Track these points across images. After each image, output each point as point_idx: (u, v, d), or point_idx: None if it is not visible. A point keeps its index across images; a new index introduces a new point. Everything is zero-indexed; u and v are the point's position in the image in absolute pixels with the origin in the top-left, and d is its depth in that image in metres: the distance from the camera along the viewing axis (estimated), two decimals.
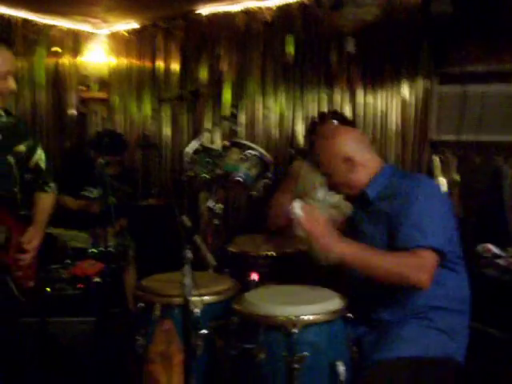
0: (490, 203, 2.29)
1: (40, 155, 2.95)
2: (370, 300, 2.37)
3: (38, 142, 2.99)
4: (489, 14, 3.35)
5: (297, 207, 2.25)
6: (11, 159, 2.79)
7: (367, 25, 3.70)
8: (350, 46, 3.85)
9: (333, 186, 2.50)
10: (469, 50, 3.98)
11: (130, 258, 4.60)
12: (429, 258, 2.18)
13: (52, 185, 3.01)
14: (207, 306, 2.41)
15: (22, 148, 2.85)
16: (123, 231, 4.64)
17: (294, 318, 2.12)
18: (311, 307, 2.18)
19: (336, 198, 2.45)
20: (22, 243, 2.72)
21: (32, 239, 2.77)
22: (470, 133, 3.99)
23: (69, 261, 4.07)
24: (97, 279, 3.66)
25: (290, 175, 3.82)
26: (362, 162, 2.44)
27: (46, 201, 2.98)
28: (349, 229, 2.64)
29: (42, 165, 2.96)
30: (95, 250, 4.24)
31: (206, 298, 2.41)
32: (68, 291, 3.65)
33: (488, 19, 3.45)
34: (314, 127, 4.03)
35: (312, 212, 2.26)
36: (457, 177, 4.06)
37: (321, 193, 2.46)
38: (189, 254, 2.22)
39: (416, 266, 2.16)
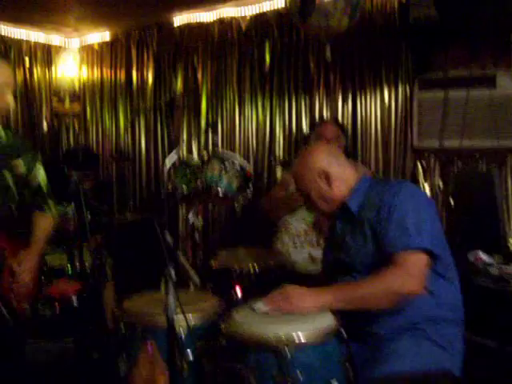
0: (480, 210, 2.23)
1: (39, 171, 2.83)
2: (361, 313, 2.27)
3: (37, 157, 2.87)
4: (470, 19, 3.29)
5: (259, 306, 2.20)
6: (7, 174, 2.69)
7: (342, 32, 3.62)
8: (327, 54, 3.80)
9: (313, 203, 2.47)
10: (450, 54, 3.93)
11: (107, 276, 4.47)
12: (415, 261, 2.12)
13: (52, 205, 2.89)
14: (192, 326, 2.28)
15: (19, 163, 2.73)
16: (99, 248, 4.51)
17: (285, 338, 2.01)
18: (303, 327, 2.06)
19: None
20: (13, 265, 2.60)
21: (24, 261, 2.65)
22: (453, 138, 3.94)
23: (43, 280, 3.93)
24: (74, 300, 3.52)
25: (281, 183, 3.77)
26: (339, 175, 2.41)
27: (43, 221, 2.86)
28: (330, 242, 2.58)
29: (42, 182, 2.85)
30: (71, 269, 4.10)
31: (190, 317, 2.29)
32: (43, 312, 3.50)
33: (470, 24, 3.39)
34: (313, 128, 4.03)
35: (273, 299, 2.20)
36: (440, 183, 4.02)
37: None
38: (171, 273, 2.12)
39: (402, 276, 2.10)
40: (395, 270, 2.10)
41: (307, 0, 3.36)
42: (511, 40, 3.75)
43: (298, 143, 4.62)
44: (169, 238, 2.17)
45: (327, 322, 2.12)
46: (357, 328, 2.27)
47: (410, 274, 2.10)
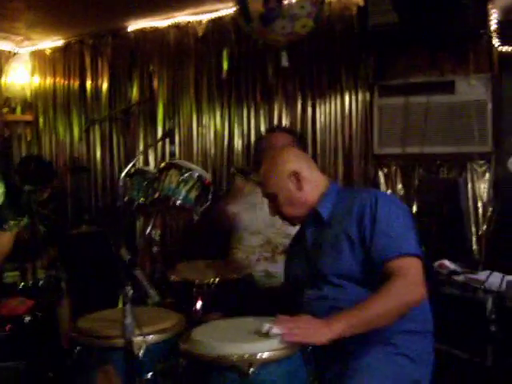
0: (445, 217, 2.19)
1: None
2: None
3: None
4: (430, 26, 3.28)
5: (270, 326, 1.99)
6: None
7: (303, 37, 3.56)
8: (284, 61, 3.72)
9: (279, 208, 2.40)
10: (410, 61, 3.92)
11: (62, 291, 4.32)
12: (413, 268, 2.09)
13: (11, 223, 2.75)
14: (152, 347, 2.18)
15: None
16: (54, 262, 4.36)
17: (249, 356, 1.92)
18: (266, 343, 1.98)
19: None
20: None
21: None
22: (414, 145, 3.92)
23: None
24: (27, 318, 3.35)
25: (233, 191, 3.68)
26: (309, 178, 2.36)
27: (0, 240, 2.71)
28: (295, 252, 2.52)
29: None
30: (24, 285, 3.94)
31: (150, 337, 2.18)
32: None
33: (429, 30, 3.38)
34: (261, 144, 3.86)
35: (287, 321, 2.03)
36: (402, 190, 4.00)
37: None
38: (129, 292, 2.02)
39: (407, 285, 2.05)
40: (399, 282, 2.04)
41: (271, 3, 3.27)
42: (470, 47, 3.77)
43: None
44: (126, 256, 2.06)
45: None
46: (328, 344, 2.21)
47: (413, 282, 2.06)
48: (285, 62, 3.69)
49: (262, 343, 1.97)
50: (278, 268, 3.36)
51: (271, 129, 4.07)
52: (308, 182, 2.34)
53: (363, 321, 2.02)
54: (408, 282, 2.04)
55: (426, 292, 2.06)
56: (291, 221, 2.48)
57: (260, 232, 3.57)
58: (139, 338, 2.10)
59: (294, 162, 2.36)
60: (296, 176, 2.33)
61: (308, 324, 2.01)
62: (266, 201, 3.56)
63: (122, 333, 2.05)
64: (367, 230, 2.16)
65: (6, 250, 2.74)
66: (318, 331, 1.97)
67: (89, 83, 5.52)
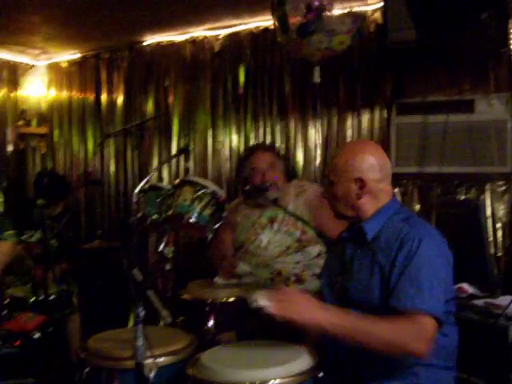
0: (465, 240, 2.13)
1: None
2: (347, 352, 2.12)
3: None
4: (450, 44, 3.23)
5: (260, 299, 1.94)
6: None
7: (337, 54, 3.52)
8: (316, 76, 3.68)
9: (331, 196, 2.29)
10: (429, 79, 3.87)
11: (73, 306, 4.30)
12: (427, 325, 1.95)
13: (10, 232, 2.73)
14: (163, 369, 2.13)
15: None
16: (65, 276, 4.33)
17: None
18: (277, 370, 1.91)
19: None
20: None
21: None
22: (432, 164, 3.86)
23: (5, 312, 3.75)
24: (37, 334, 3.31)
25: (226, 223, 3.53)
26: (373, 189, 2.21)
27: None
28: (332, 265, 2.41)
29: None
30: (35, 299, 3.92)
31: (161, 359, 2.14)
32: (1, 349, 3.28)
33: (449, 49, 3.33)
34: (244, 159, 3.77)
35: (279, 294, 1.98)
36: (418, 210, 3.94)
37: None
38: (141, 312, 1.97)
39: (414, 334, 1.93)
40: (409, 328, 1.94)
41: (313, 15, 3.21)
42: (490, 65, 3.71)
43: None
44: (139, 276, 2.02)
45: (302, 361, 1.98)
46: (338, 367, 2.14)
47: (423, 336, 1.94)
48: (317, 78, 3.65)
49: (271, 370, 1.92)
50: None
51: (252, 148, 3.85)
52: (369, 193, 2.20)
53: (356, 331, 1.94)
54: (414, 331, 1.94)
55: (427, 352, 1.94)
56: (335, 214, 2.34)
57: (268, 264, 3.49)
58: (150, 360, 2.06)
59: (369, 169, 2.20)
60: (361, 184, 2.19)
61: (301, 299, 1.97)
62: (271, 224, 3.52)
63: (133, 354, 2.00)
64: (397, 269, 2.04)
65: (5, 259, 2.72)
66: (310, 309, 1.94)
67: (104, 97, 5.53)
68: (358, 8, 4.06)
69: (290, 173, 3.75)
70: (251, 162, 3.58)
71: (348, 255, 2.27)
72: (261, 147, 3.80)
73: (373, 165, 2.22)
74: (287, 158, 4.12)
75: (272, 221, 3.51)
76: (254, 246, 3.50)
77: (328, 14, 3.37)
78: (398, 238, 2.09)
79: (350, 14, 3.60)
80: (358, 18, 3.50)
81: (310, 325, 1.95)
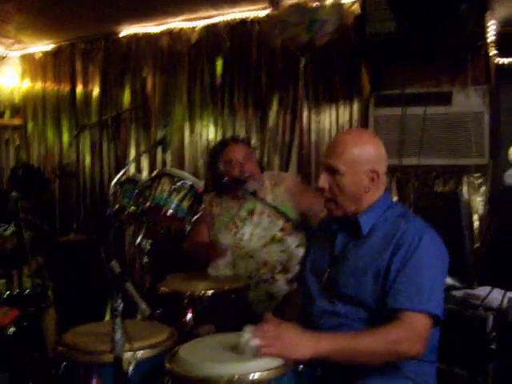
0: (444, 233, 2.13)
1: None
2: None
3: None
4: (429, 36, 3.23)
5: (249, 338, 1.87)
6: None
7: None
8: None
9: (333, 185, 2.14)
10: (407, 71, 3.87)
11: (48, 300, 4.23)
12: (421, 325, 1.93)
13: None
14: (141, 363, 2.10)
15: None
16: (41, 270, 4.26)
17: (239, 377, 1.81)
18: (256, 363, 1.86)
19: None
20: None
21: None
22: (411, 156, 3.87)
23: None
24: (11, 329, 3.26)
25: (201, 218, 3.49)
26: (380, 183, 2.15)
27: None
28: (320, 247, 2.34)
29: None
30: (9, 293, 3.85)
31: (139, 353, 2.10)
32: None
33: (428, 41, 3.33)
34: (218, 153, 3.73)
35: (265, 335, 1.88)
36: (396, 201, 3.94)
37: None
38: (120, 305, 1.93)
39: (408, 338, 1.90)
40: (403, 332, 1.91)
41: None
42: (468, 58, 3.73)
43: None
44: (117, 268, 1.98)
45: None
46: (325, 362, 2.12)
47: (417, 338, 1.91)
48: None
49: (253, 363, 1.87)
50: (279, 287, 3.30)
51: (225, 141, 3.74)
52: (376, 187, 2.13)
53: (350, 351, 1.89)
54: (412, 334, 1.91)
55: (423, 351, 1.92)
56: (333, 209, 2.19)
57: (252, 255, 3.47)
58: (129, 354, 2.03)
59: (381, 160, 2.15)
60: (374, 177, 2.11)
61: (291, 336, 1.88)
62: (251, 217, 3.49)
63: (111, 348, 1.97)
64: (395, 267, 2.00)
65: None
66: (300, 345, 1.86)
67: (79, 88, 5.45)
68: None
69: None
70: (226, 155, 3.54)
71: (339, 246, 2.21)
72: (234, 140, 3.75)
73: (382, 155, 2.17)
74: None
75: (251, 213, 3.50)
76: (237, 238, 3.48)
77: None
78: (396, 234, 2.05)
79: (300, 6, 3.58)
80: (307, 10, 3.47)
81: (304, 359, 1.88)
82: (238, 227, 3.51)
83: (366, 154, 2.12)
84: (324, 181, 2.16)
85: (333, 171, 2.14)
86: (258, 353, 1.84)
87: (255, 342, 1.84)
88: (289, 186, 3.53)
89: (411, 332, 1.91)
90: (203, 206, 3.33)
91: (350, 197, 2.13)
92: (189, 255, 3.64)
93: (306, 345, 1.86)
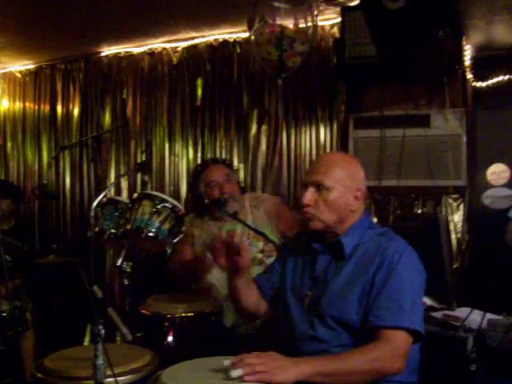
0: (424, 254, 2.16)
1: None
2: None
3: None
4: (407, 59, 3.29)
5: (231, 367, 1.84)
6: None
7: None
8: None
9: (318, 201, 2.15)
10: (386, 93, 3.92)
11: (27, 323, 4.17)
12: (401, 341, 1.95)
13: None
14: None
15: None
16: (19, 292, 4.22)
17: None
18: None
19: None
20: None
21: None
22: (390, 178, 3.91)
23: None
24: None
25: (184, 238, 3.51)
26: (362, 204, 2.21)
27: None
28: (298, 267, 2.34)
29: None
30: None
31: (121, 378, 2.08)
32: None
33: (406, 64, 3.39)
34: (198, 174, 3.76)
35: (249, 363, 1.85)
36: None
37: None
38: (101, 331, 1.92)
39: (389, 356, 1.92)
40: (384, 348, 1.93)
41: None
42: (445, 81, 3.79)
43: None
44: (98, 293, 1.97)
45: None
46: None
47: (398, 354, 1.93)
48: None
49: None
50: None
51: (205, 163, 3.84)
52: (359, 208, 2.20)
53: (333, 373, 1.89)
54: (393, 351, 1.93)
55: (403, 368, 1.94)
56: (313, 222, 2.18)
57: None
58: (110, 380, 2.00)
59: (363, 183, 2.21)
60: (361, 196, 2.18)
61: (273, 361, 1.87)
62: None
63: (93, 374, 1.94)
64: (376, 284, 2.03)
65: None
66: (284, 370, 1.85)
67: (60, 108, 5.42)
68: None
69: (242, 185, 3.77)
70: (206, 176, 3.58)
71: (320, 268, 2.22)
72: (213, 161, 3.79)
73: (363, 177, 2.24)
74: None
75: (232, 235, 3.50)
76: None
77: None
78: (377, 252, 2.09)
79: (269, 25, 3.64)
80: (276, 29, 3.52)
81: (294, 379, 1.85)
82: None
83: (352, 173, 2.18)
84: (310, 197, 2.17)
85: (319, 188, 2.16)
86: (241, 380, 1.83)
87: (238, 371, 1.84)
88: (268, 208, 3.56)
89: (392, 349, 1.93)
90: (184, 227, 3.35)
91: (336, 213, 2.15)
92: (174, 273, 3.63)
93: (288, 369, 1.86)
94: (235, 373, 1.82)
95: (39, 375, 2.17)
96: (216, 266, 3.35)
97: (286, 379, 1.84)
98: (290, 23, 3.47)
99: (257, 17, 3.54)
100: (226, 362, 1.88)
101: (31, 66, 5.54)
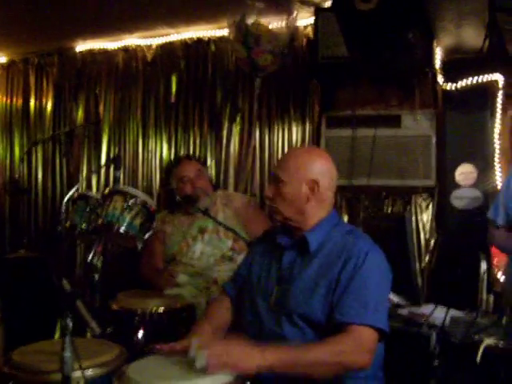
0: (391, 251, 2.21)
1: None
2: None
3: None
4: (378, 60, 3.34)
5: (198, 360, 1.87)
6: None
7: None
8: (257, 87, 3.77)
9: (276, 195, 2.23)
10: (358, 93, 3.98)
11: None
12: (367, 337, 1.99)
13: None
14: (90, 382, 2.09)
15: None
16: None
17: None
18: (204, 381, 1.85)
19: None
20: None
21: None
22: (361, 177, 3.96)
23: None
24: None
25: (155, 236, 3.55)
26: (322, 196, 2.21)
27: None
28: (265, 261, 2.37)
29: None
30: None
31: (88, 371, 2.09)
32: None
33: (377, 65, 3.44)
34: (171, 170, 3.81)
35: (214, 352, 1.87)
36: (346, 221, 4.02)
37: None
38: (69, 324, 1.93)
39: (354, 350, 1.96)
40: (349, 344, 1.96)
41: None
42: (415, 83, 3.85)
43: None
44: (67, 286, 1.98)
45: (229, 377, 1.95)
46: (273, 381, 2.14)
47: (364, 349, 1.97)
48: (257, 88, 3.72)
49: (201, 380, 1.87)
50: None
51: (177, 159, 3.98)
52: (319, 199, 2.20)
53: (297, 363, 1.91)
54: (358, 346, 1.96)
55: (369, 363, 1.98)
56: (275, 214, 2.27)
57: (202, 274, 3.49)
58: (77, 373, 2.01)
59: (323, 174, 2.21)
60: (314, 186, 2.18)
61: (237, 349, 1.90)
62: (201, 235, 3.54)
63: (60, 367, 1.96)
64: (342, 282, 2.06)
65: None
66: (248, 356, 1.87)
67: (32, 103, 5.36)
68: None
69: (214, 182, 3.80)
70: (179, 173, 3.63)
71: (286, 264, 2.24)
72: (185, 157, 3.87)
73: (327, 170, 2.24)
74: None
75: (203, 231, 3.54)
76: (188, 257, 3.51)
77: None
78: (343, 250, 2.12)
79: (238, 23, 3.69)
80: (243, 26, 3.58)
81: (251, 371, 1.88)
82: (189, 245, 3.54)
83: (308, 165, 2.21)
84: (269, 190, 2.28)
85: (277, 181, 2.23)
86: (206, 370, 1.85)
87: (202, 361, 1.86)
88: (236, 208, 3.60)
89: (357, 344, 1.96)
90: (156, 223, 3.37)
91: (291, 204, 2.20)
92: (145, 277, 3.67)
93: (252, 356, 1.88)
94: (199, 363, 1.85)
95: (7, 370, 2.17)
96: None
97: (249, 367, 1.87)
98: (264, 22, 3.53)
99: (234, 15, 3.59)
100: (192, 352, 1.90)
101: (4, 60, 5.48)
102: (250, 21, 3.66)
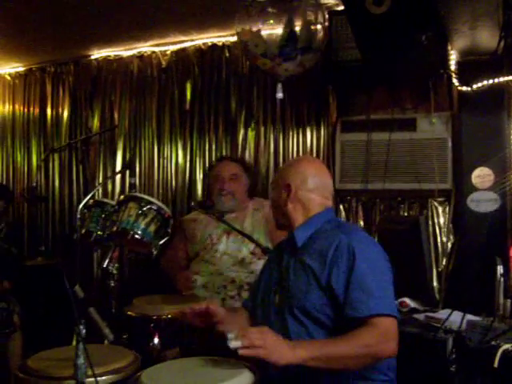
0: (407, 255, 2.19)
1: None
2: (288, 369, 2.11)
3: None
4: (393, 64, 3.32)
5: (232, 339, 1.87)
6: None
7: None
8: (279, 92, 3.77)
9: (271, 202, 2.49)
10: (373, 97, 3.97)
11: (15, 325, 4.18)
12: (388, 325, 2.00)
13: None
14: None
15: None
16: (6, 295, 4.22)
17: None
18: None
19: None
20: None
21: None
22: (376, 181, 3.95)
23: None
24: None
25: (180, 232, 3.61)
26: (301, 198, 2.32)
27: None
28: (270, 265, 2.46)
29: None
30: None
31: (102, 378, 2.09)
32: None
33: (392, 69, 3.43)
34: (210, 168, 3.93)
35: (250, 337, 1.88)
36: (362, 226, 4.01)
37: None
38: (82, 330, 1.93)
39: (380, 340, 1.96)
40: (374, 335, 1.96)
41: None
42: (430, 86, 3.82)
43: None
44: (80, 293, 1.98)
45: (243, 379, 1.94)
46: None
47: (389, 338, 1.99)
48: (280, 94, 3.72)
49: None
50: None
51: (221, 158, 4.05)
52: (297, 201, 2.31)
53: (327, 357, 1.93)
54: (381, 335, 1.97)
55: (397, 349, 1.99)
56: (275, 221, 2.49)
57: (222, 273, 3.51)
58: (91, 380, 2.02)
59: (299, 178, 2.32)
60: (288, 190, 2.32)
61: (272, 341, 1.91)
62: (227, 236, 3.57)
63: (74, 373, 1.96)
64: (342, 280, 2.07)
65: None
66: (280, 351, 1.89)
67: (49, 111, 5.42)
68: None
69: (253, 190, 3.83)
70: (215, 170, 3.69)
71: (284, 264, 2.31)
72: (228, 157, 3.94)
73: (304, 175, 2.34)
74: (253, 174, 4.13)
75: (228, 232, 3.57)
76: (210, 255, 3.55)
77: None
78: (332, 244, 2.14)
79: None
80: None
81: (281, 365, 1.89)
82: (213, 243, 3.58)
83: (284, 172, 2.42)
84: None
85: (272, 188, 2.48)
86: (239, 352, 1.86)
87: (237, 343, 1.86)
88: (266, 214, 3.60)
89: (382, 333, 1.97)
90: (184, 222, 3.53)
91: (277, 209, 2.41)
92: (166, 272, 3.70)
93: (284, 351, 1.90)
94: (233, 344, 1.85)
95: (21, 375, 2.18)
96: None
97: (280, 360, 1.88)
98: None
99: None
100: (231, 335, 1.89)
101: (21, 69, 5.55)
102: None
